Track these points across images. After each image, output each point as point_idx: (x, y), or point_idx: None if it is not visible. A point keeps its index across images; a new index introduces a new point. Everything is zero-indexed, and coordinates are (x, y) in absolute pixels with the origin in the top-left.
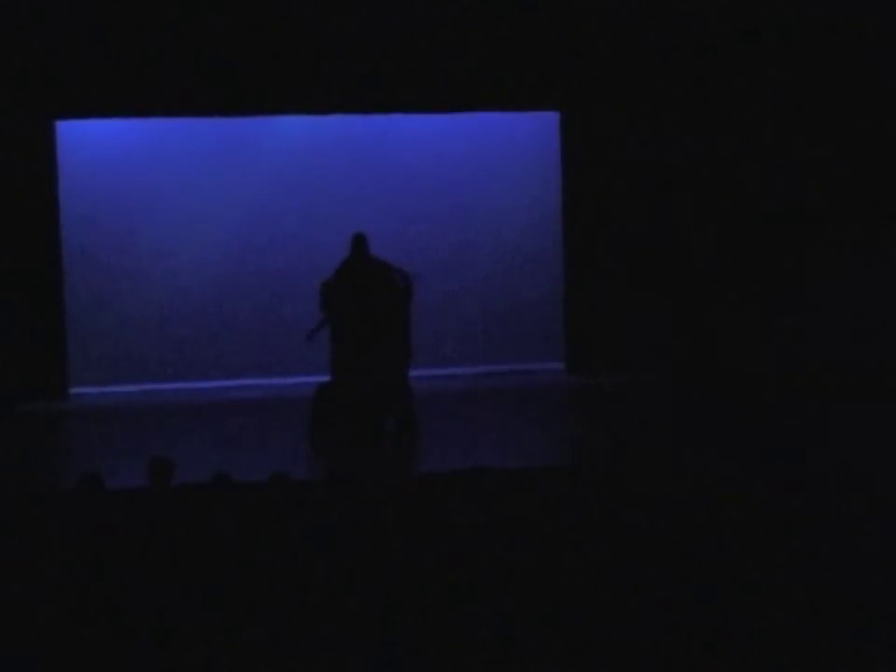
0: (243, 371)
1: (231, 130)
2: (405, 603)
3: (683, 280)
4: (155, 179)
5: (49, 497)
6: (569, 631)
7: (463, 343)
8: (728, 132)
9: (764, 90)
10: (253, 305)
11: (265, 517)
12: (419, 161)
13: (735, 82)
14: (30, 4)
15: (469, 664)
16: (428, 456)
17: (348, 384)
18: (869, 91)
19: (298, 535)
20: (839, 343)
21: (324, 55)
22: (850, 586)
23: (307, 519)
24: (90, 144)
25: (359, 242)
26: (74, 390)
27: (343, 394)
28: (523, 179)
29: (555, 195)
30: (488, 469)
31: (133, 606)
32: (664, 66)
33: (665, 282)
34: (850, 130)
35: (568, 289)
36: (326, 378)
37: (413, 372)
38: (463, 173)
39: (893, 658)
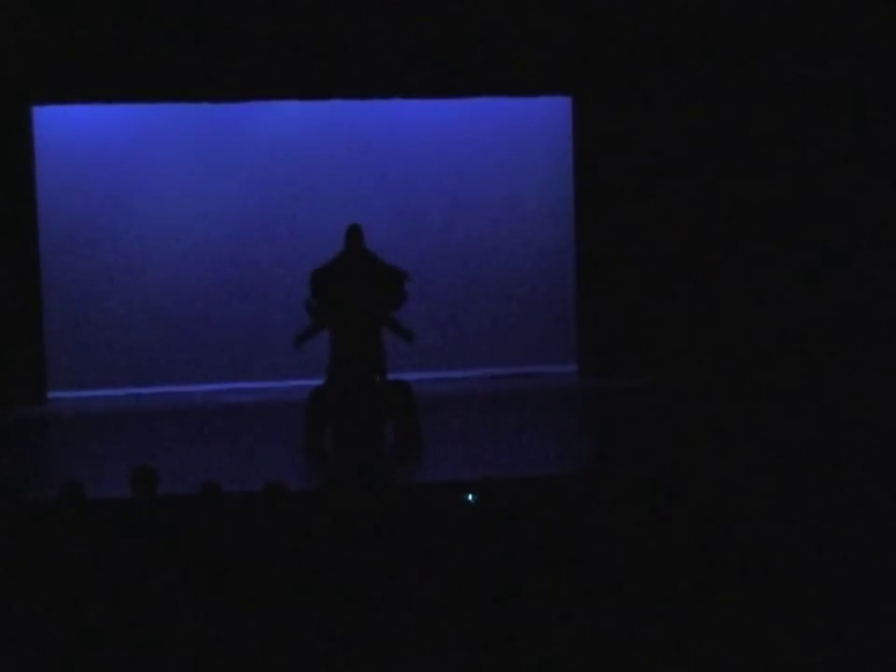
0: (233, 374)
1: (219, 116)
2: (408, 619)
3: (702, 276)
4: (138, 169)
5: (27, 508)
6: (582, 647)
7: (469, 343)
8: (747, 118)
9: (784, 74)
10: (243, 303)
11: (258, 529)
12: (422, 150)
13: (752, 67)
14: None
15: None
16: (431, 465)
17: (344, 386)
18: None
19: (293, 548)
20: (860, 338)
21: (321, 35)
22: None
23: (303, 531)
24: (68, 131)
25: (354, 234)
26: (52, 394)
27: (340, 397)
28: (532, 169)
29: (567, 186)
30: (495, 479)
31: (119, 622)
32: (681, 49)
33: (683, 277)
34: (870, 122)
35: (581, 286)
36: (322, 381)
37: (418, 375)
38: (469, 162)
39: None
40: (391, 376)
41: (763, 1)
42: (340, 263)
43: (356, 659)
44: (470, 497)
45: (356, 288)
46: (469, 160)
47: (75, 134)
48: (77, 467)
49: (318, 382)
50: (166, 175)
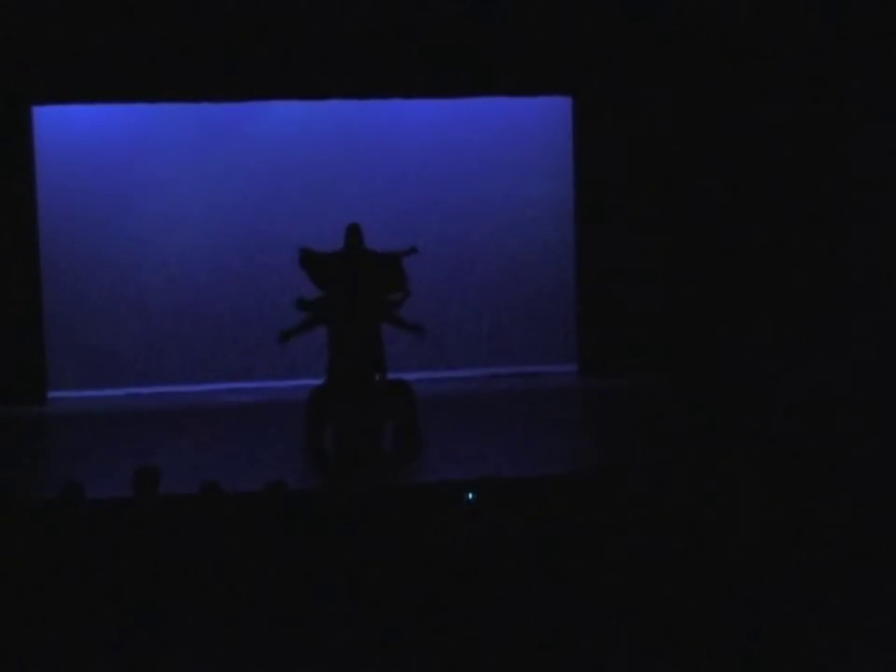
0: (232, 374)
1: (218, 116)
2: (407, 618)
3: (702, 275)
4: (137, 169)
5: (27, 508)
6: (582, 647)
7: (469, 343)
8: (747, 118)
9: (783, 73)
10: (243, 303)
11: (258, 529)
12: (422, 150)
13: (752, 66)
14: None
15: None
16: (432, 465)
17: (344, 386)
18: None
19: (293, 548)
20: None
21: (320, 35)
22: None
23: (303, 531)
24: (68, 131)
25: (353, 233)
26: (52, 394)
27: (340, 397)
28: (532, 169)
29: (567, 186)
30: (495, 479)
31: (119, 622)
32: (681, 49)
33: (683, 277)
34: (873, 122)
35: (581, 286)
36: (322, 381)
37: (418, 375)
38: (468, 163)
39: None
40: (391, 376)
41: (763, 1)
42: (338, 261)
43: (356, 658)
44: (470, 494)
45: (355, 287)
46: (469, 160)
47: (75, 134)
48: (77, 467)
49: (318, 382)
50: (166, 174)
